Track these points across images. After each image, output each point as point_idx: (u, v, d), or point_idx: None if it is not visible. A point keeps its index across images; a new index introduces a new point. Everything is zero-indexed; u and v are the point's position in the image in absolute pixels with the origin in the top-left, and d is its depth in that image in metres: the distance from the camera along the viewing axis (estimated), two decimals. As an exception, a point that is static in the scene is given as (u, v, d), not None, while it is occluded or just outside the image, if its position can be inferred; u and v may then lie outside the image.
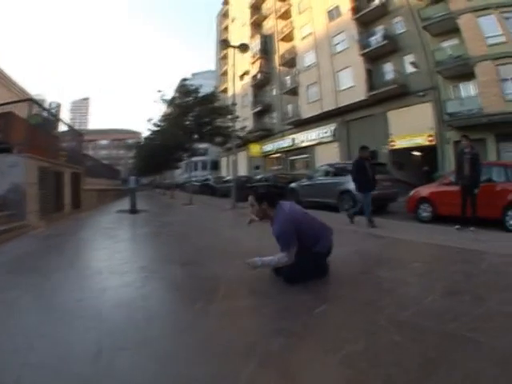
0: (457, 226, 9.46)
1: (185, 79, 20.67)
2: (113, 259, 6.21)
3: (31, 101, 12.13)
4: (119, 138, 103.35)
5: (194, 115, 20.34)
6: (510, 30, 22.02)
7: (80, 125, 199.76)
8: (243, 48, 18.63)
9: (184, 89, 20.70)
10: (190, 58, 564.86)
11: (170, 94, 21.50)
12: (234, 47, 19.44)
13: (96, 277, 5.16)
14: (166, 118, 23.29)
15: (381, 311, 3.57)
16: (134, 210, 15.22)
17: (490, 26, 22.70)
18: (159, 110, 29.31)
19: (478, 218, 9.31)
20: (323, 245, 4.76)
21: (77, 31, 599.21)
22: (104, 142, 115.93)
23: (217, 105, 21.06)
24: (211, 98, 21.10)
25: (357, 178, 10.81)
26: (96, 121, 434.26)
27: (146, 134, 31.46)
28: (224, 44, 18.68)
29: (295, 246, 4.45)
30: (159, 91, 20.82)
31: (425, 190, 12.43)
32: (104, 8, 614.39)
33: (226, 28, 62.57)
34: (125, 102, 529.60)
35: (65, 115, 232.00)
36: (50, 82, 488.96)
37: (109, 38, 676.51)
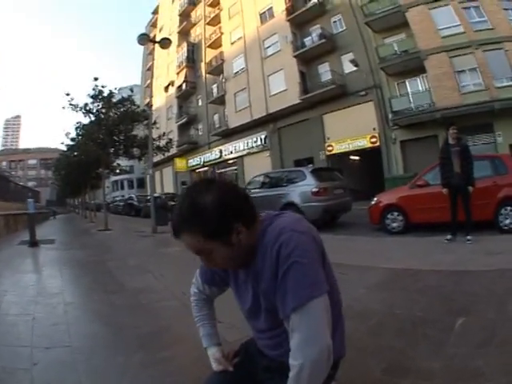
0: (448, 237, 7.53)
1: (96, 78, 17.52)
2: None
3: None
4: (47, 157, 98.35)
5: (106, 124, 17.56)
6: (468, 20, 21.44)
7: (12, 144, 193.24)
8: (164, 43, 16.34)
9: (95, 93, 17.65)
10: (123, 74, 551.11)
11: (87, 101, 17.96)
12: (154, 42, 17.73)
13: None
14: (79, 129, 20.05)
15: None
16: (33, 243, 12.02)
17: (445, 18, 21.86)
18: (75, 122, 26.46)
19: (474, 224, 7.53)
20: (341, 338, 1.68)
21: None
22: (33, 162, 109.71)
23: (130, 109, 18.30)
24: (126, 102, 18.31)
25: None
26: (27, 139, 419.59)
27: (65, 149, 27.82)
28: (144, 39, 16.02)
29: (327, 299, 1.41)
30: (67, 94, 17.61)
31: (391, 196, 10.50)
32: (28, 22, 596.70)
33: (154, 38, 59.58)
34: (56, 120, 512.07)
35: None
36: None
37: (37, 53, 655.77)
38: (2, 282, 6.72)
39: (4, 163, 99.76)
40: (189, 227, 1.41)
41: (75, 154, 24.10)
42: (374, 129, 25.14)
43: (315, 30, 28.88)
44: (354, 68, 26.12)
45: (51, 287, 6.15)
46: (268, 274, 1.42)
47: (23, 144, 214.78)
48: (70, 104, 17.61)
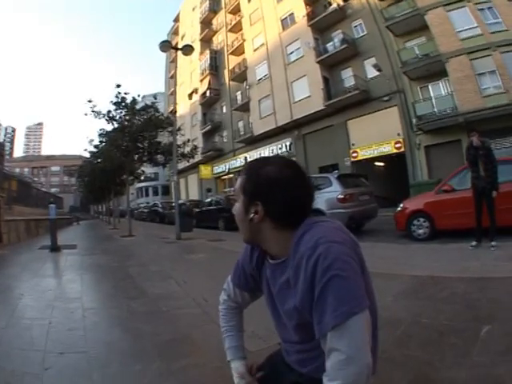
0: (473, 243, 7.39)
1: (118, 85, 17.54)
2: None
3: None
4: (70, 164, 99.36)
5: (130, 131, 17.49)
6: (484, 22, 21.14)
7: (34, 151, 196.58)
8: (187, 50, 16.27)
9: (118, 100, 17.67)
10: (146, 82, 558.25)
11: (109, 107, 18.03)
12: (177, 49, 17.82)
13: None
14: (103, 136, 20.16)
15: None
16: (54, 248, 12.08)
17: (463, 20, 21.60)
18: (98, 129, 26.37)
19: (498, 229, 7.39)
20: (375, 354, 1.48)
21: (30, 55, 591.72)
22: (56, 169, 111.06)
23: (154, 116, 18.23)
24: (149, 109, 18.29)
25: None
26: (50, 146, 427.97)
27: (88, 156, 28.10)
28: (166, 46, 16.01)
29: (368, 314, 1.27)
30: (89, 101, 17.68)
31: (418, 202, 10.30)
32: (52, 32, 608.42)
33: (176, 45, 59.90)
34: (78, 127, 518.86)
35: (19, 140, 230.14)
36: (5, 107, 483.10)
37: (60, 61, 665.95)
38: (19, 285, 6.69)
39: (26, 169, 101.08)
40: (245, 170, 1.53)
41: (99, 160, 24.30)
42: (399, 134, 24.89)
43: (337, 35, 28.73)
44: (377, 73, 25.78)
45: (70, 292, 6.11)
46: (302, 289, 1.30)
47: (46, 151, 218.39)
48: (93, 111, 17.70)
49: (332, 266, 1.21)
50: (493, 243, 7.08)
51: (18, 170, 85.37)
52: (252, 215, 1.45)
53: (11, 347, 3.51)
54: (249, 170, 1.51)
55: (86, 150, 25.13)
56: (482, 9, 21.32)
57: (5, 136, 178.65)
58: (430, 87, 24.05)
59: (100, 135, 20.13)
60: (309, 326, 1.32)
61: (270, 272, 1.58)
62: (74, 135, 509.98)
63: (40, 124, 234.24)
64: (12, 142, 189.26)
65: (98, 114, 17.73)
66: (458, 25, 21.66)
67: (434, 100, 23.15)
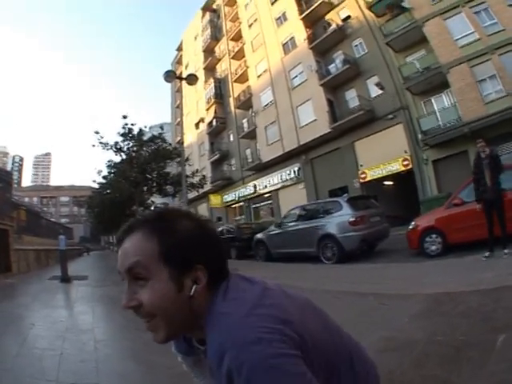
0: (486, 254, 7.37)
1: (125, 116, 17.77)
2: None
3: None
4: (80, 194, 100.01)
5: (138, 162, 17.58)
6: (481, 25, 21.15)
7: (42, 180, 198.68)
8: (191, 79, 16.42)
9: (125, 131, 17.89)
10: (153, 112, 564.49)
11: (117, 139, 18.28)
12: (181, 79, 18.17)
13: None
14: (111, 167, 20.35)
15: None
16: (64, 279, 12.14)
17: (460, 26, 21.60)
18: (107, 160, 26.73)
19: (510, 236, 7.34)
20: None
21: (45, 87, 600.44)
22: (65, 199, 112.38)
23: (161, 147, 18.40)
24: (156, 140, 18.50)
25: None
26: (58, 176, 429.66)
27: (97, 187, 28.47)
28: (170, 76, 16.18)
29: None
30: (97, 132, 17.88)
31: (429, 218, 10.20)
32: (64, 65, 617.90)
33: (180, 75, 60.31)
34: (86, 157, 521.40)
35: (27, 170, 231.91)
36: (13, 136, 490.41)
37: (67, 92, 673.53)
38: (30, 315, 6.73)
39: (35, 199, 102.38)
40: (150, 226, 1.07)
41: (108, 191, 24.49)
42: (406, 151, 24.75)
43: (338, 56, 28.89)
44: (380, 91, 25.99)
45: (82, 323, 6.15)
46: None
47: (54, 181, 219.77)
48: (100, 142, 17.89)
49: (252, 381, 0.85)
50: (505, 251, 7.09)
51: (26, 199, 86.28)
52: (194, 287, 1.04)
53: (23, 375, 3.52)
54: (158, 230, 1.06)
55: (94, 181, 25.16)
56: (478, 11, 21.25)
57: (12, 165, 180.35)
58: (433, 100, 23.90)
59: (108, 166, 20.32)
60: None
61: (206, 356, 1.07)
62: (83, 165, 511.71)
63: (48, 154, 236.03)
64: (20, 171, 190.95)
65: (105, 145, 17.96)
66: (456, 32, 21.62)
67: (438, 113, 22.98)
